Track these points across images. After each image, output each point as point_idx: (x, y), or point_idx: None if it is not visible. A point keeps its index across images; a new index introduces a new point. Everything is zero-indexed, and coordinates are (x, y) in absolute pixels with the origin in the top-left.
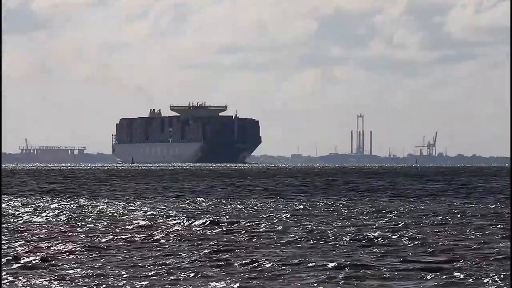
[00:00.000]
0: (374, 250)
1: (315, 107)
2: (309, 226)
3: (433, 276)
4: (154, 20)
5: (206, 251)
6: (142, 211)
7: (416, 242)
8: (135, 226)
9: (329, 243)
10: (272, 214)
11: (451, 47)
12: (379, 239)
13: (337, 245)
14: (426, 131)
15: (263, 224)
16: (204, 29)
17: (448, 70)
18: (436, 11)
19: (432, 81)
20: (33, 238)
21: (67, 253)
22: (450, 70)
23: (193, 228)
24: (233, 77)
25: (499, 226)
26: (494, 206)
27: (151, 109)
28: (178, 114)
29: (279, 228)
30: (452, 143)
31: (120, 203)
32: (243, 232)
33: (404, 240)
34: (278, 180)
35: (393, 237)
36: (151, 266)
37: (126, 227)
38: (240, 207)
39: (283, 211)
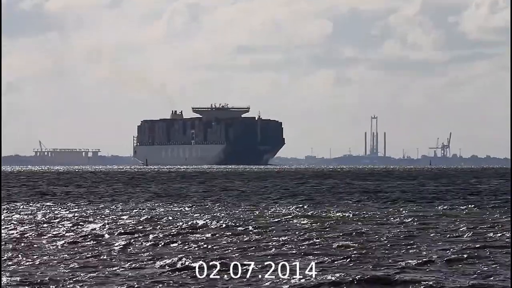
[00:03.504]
0: None
1: (329, 108)
2: None
3: None
4: (168, 21)
5: None
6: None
7: None
8: None
9: None
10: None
11: (466, 47)
12: None
13: None
14: (440, 132)
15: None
16: (218, 30)
17: (462, 70)
18: (451, 11)
19: (447, 82)
20: None
21: None
22: (465, 70)
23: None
24: (248, 78)
25: None
26: None
27: (172, 111)
28: (200, 116)
29: None
30: (466, 144)
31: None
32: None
33: None
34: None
35: None
36: None
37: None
38: None
39: None
